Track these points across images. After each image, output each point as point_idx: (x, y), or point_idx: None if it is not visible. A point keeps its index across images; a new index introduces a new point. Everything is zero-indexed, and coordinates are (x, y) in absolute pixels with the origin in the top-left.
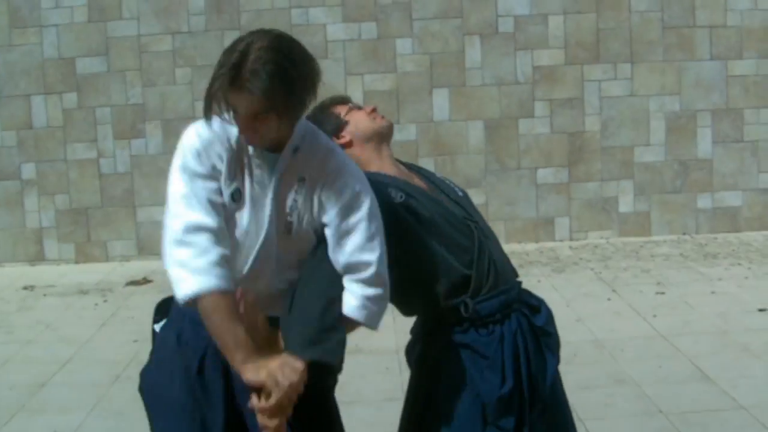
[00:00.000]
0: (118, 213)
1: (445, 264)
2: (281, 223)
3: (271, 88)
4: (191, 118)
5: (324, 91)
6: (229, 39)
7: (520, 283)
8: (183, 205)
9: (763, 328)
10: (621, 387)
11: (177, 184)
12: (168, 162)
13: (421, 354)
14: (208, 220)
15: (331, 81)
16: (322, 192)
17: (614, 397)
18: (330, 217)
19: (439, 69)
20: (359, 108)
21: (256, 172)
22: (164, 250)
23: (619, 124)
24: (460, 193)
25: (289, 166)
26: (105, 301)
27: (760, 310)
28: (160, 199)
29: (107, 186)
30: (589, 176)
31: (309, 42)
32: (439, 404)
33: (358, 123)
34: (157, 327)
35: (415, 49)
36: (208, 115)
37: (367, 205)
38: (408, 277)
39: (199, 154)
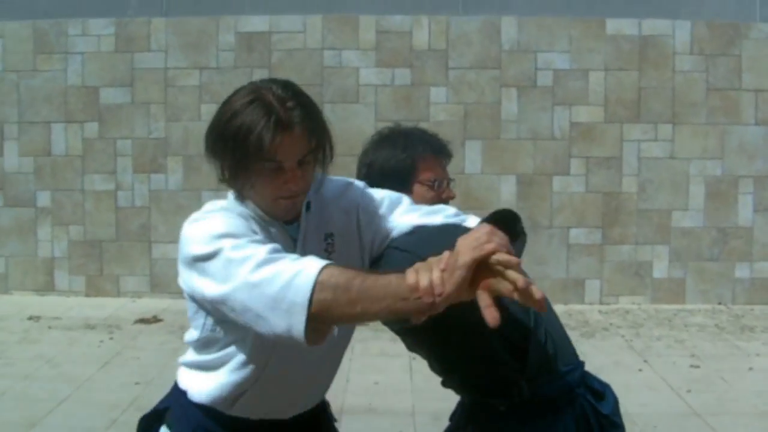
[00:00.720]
0: (133, 248)
1: (494, 340)
2: None
3: (315, 121)
4: None
5: (353, 136)
6: (258, 77)
7: (583, 363)
8: (243, 251)
9: None
10: None
11: (220, 247)
12: (188, 198)
13: None
14: (279, 250)
15: (361, 126)
16: (361, 219)
17: None
18: (384, 223)
19: (473, 120)
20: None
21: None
22: (250, 316)
23: (658, 187)
24: None
25: (307, 227)
26: (111, 338)
27: None
28: (176, 236)
29: (123, 219)
30: (623, 239)
31: (340, 85)
32: None
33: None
34: None
35: (450, 98)
36: (236, 186)
37: (406, 197)
38: (454, 354)
39: (231, 221)
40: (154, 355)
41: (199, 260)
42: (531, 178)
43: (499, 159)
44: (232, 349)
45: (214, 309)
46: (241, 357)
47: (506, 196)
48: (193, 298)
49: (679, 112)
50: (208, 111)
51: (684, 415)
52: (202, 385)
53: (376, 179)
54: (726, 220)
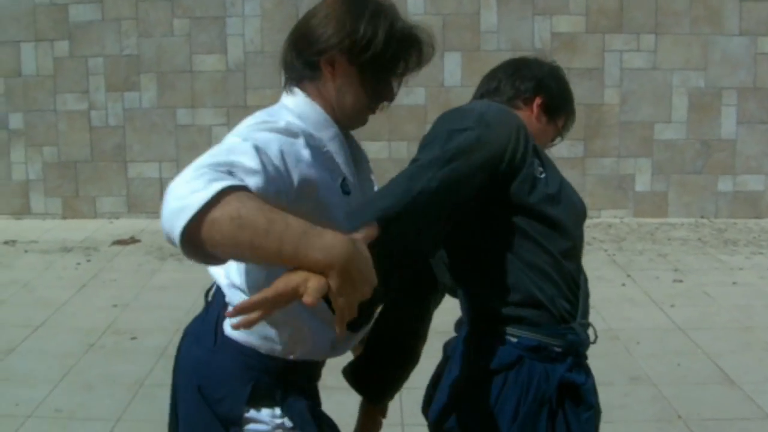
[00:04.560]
0: (108, 168)
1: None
2: None
3: None
4: (188, 72)
5: None
6: None
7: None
8: None
9: None
10: (637, 386)
11: None
12: (162, 116)
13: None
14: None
15: None
16: None
17: (629, 398)
18: None
19: (451, 31)
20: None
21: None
22: None
23: (640, 98)
24: None
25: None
26: (88, 260)
27: None
28: (151, 155)
29: (97, 139)
30: (605, 152)
31: (313, 1)
32: None
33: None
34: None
35: (428, 9)
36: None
37: None
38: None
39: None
40: (131, 277)
41: None
42: None
43: (479, 71)
44: None
45: None
46: None
47: None
48: None
49: (662, 21)
50: (181, 26)
51: (667, 329)
52: None
53: None
54: (709, 133)
